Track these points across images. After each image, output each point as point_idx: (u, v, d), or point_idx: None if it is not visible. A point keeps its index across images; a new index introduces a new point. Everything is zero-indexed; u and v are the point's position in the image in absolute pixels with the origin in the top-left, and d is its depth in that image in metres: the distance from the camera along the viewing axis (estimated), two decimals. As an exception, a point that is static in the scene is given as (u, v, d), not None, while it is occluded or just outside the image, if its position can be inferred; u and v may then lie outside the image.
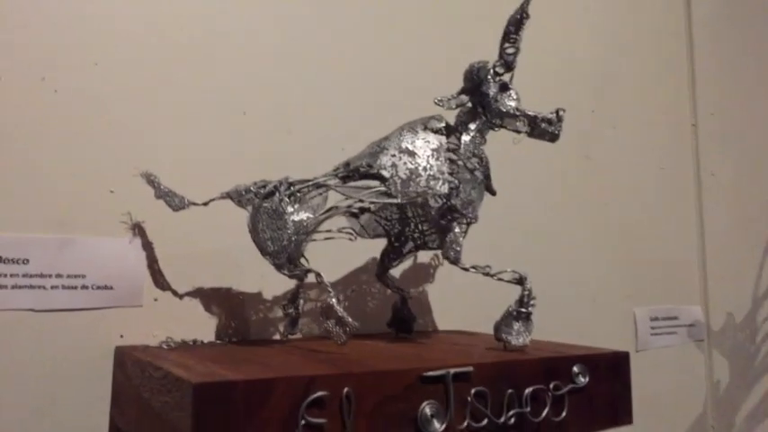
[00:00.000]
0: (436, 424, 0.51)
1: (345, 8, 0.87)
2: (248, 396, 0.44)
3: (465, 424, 0.53)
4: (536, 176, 0.97)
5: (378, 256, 0.81)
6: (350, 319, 0.57)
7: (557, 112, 0.63)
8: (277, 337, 0.76)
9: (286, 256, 0.61)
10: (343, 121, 0.84)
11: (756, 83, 1.33)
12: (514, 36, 0.60)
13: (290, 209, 0.61)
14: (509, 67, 0.62)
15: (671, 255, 1.16)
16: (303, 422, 0.45)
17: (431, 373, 0.52)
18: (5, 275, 0.62)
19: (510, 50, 0.61)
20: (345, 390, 0.47)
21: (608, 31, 1.12)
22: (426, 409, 0.51)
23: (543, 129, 0.64)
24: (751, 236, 1.28)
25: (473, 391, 0.53)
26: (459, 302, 0.88)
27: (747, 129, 1.30)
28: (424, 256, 0.86)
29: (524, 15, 0.59)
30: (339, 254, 0.72)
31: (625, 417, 0.64)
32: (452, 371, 0.53)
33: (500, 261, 0.73)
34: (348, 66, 0.86)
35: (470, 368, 0.54)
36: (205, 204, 0.64)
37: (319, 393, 0.46)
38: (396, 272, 0.82)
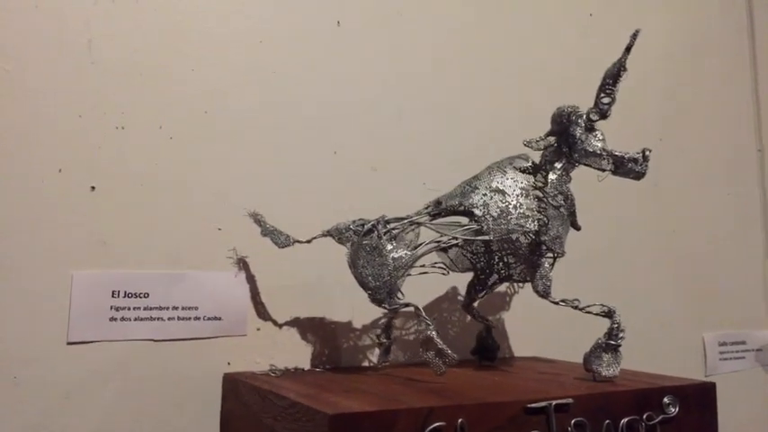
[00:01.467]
0: (540, 452, 0.54)
1: (426, 48, 0.91)
2: (375, 425, 0.48)
3: (566, 452, 0.56)
4: (607, 206, 1.00)
5: (456, 286, 0.85)
6: (449, 351, 0.61)
7: (643, 152, 0.66)
8: (366, 363, 0.80)
9: (386, 291, 0.65)
10: (424, 160, 0.88)
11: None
12: (611, 88, 0.64)
13: (389, 246, 0.65)
14: (603, 115, 0.65)
15: (738, 279, 1.17)
16: (423, 450, 0.49)
17: (534, 405, 0.55)
18: (129, 308, 0.68)
19: (605, 100, 0.64)
20: (459, 420, 0.51)
21: (675, 62, 1.15)
22: (531, 438, 0.54)
23: (630, 168, 0.67)
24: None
25: (573, 421, 0.56)
26: (533, 331, 0.91)
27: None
28: (501, 288, 0.89)
29: (622, 69, 0.63)
30: (421, 284, 0.76)
31: (713, 446, 0.65)
32: (554, 402, 0.56)
33: (571, 292, 0.77)
34: (429, 105, 0.90)
35: (570, 400, 0.57)
36: (308, 242, 0.69)
37: (437, 424, 0.50)
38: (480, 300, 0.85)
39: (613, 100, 0.64)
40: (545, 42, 1.01)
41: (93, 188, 0.68)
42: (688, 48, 1.17)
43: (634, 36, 0.61)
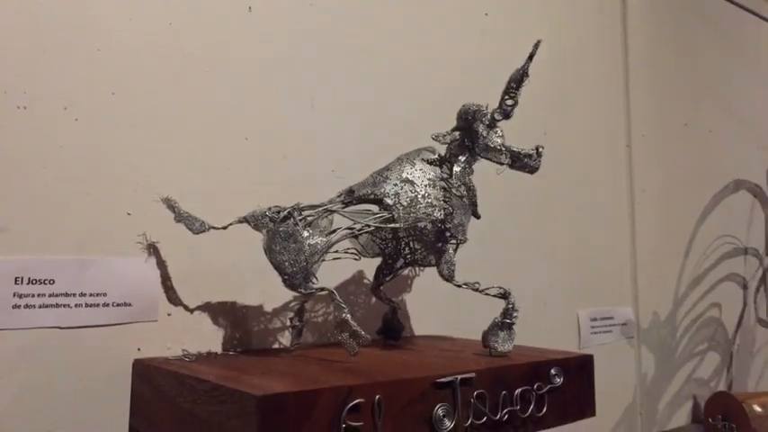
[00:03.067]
0: (447, 422, 0.60)
1: (337, 39, 0.93)
2: (300, 404, 0.51)
3: (469, 422, 0.62)
4: (493, 193, 1.07)
5: (362, 270, 0.89)
6: (363, 333, 0.65)
7: (537, 148, 0.73)
8: (276, 346, 0.82)
9: (302, 276, 0.68)
10: (333, 147, 0.90)
11: (683, 110, 1.50)
12: (514, 92, 0.69)
13: (305, 233, 0.68)
14: (507, 116, 0.71)
15: (608, 261, 1.30)
16: (344, 425, 0.53)
17: (442, 380, 0.60)
18: (33, 295, 0.65)
19: (509, 102, 0.70)
20: (377, 397, 0.55)
21: (558, 62, 1.24)
22: (439, 410, 0.59)
23: (525, 162, 0.73)
24: (675, 245, 1.45)
25: (475, 393, 0.62)
26: (432, 310, 0.97)
27: (675, 149, 1.47)
28: (404, 270, 0.95)
29: (525, 75, 0.69)
30: (328, 268, 0.79)
31: (589, 410, 0.74)
32: (459, 377, 0.61)
33: (465, 274, 0.83)
34: (340, 94, 0.93)
35: (474, 374, 0.62)
36: (224, 228, 0.70)
37: (357, 401, 0.54)
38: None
39: (516, 102, 0.70)
40: (448, 39, 1.07)
41: (-9, 170, 0.65)
42: (569, 49, 1.27)
43: (536, 46, 0.67)
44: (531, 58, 0.68)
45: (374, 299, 0.88)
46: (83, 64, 0.71)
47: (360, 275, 0.90)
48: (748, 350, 1.64)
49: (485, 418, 0.63)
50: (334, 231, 0.70)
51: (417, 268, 0.95)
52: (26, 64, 0.67)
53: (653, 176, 1.40)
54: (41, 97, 0.68)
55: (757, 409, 1.09)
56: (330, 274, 0.87)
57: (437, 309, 0.97)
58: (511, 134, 1.10)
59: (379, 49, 0.98)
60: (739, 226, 1.62)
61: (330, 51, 0.92)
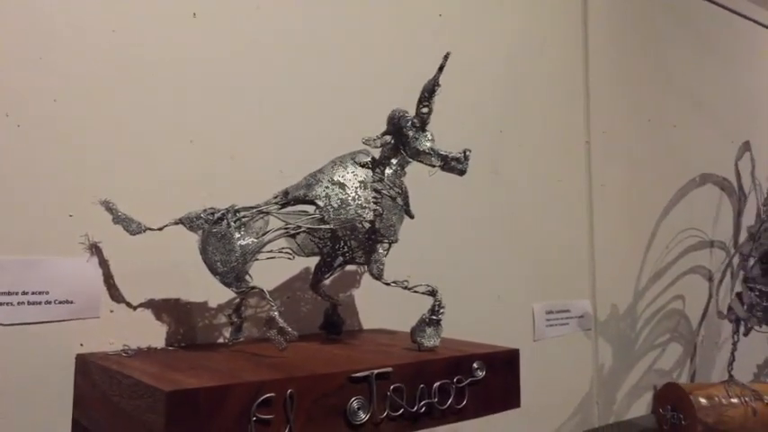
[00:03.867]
0: (361, 414, 0.63)
1: (285, 42, 0.96)
2: (210, 399, 0.54)
3: (385, 413, 0.65)
4: (450, 191, 1.10)
5: (309, 267, 0.92)
6: (289, 329, 0.68)
7: (464, 152, 0.76)
8: (221, 341, 0.85)
9: (234, 276, 0.71)
10: (281, 148, 0.93)
11: (646, 105, 1.52)
12: (428, 101, 0.72)
13: (237, 234, 0.71)
14: (423, 122, 0.74)
15: (565, 256, 1.33)
16: (254, 418, 0.56)
17: (357, 375, 0.64)
18: (-24, 294, 0.69)
19: (424, 110, 0.73)
20: (289, 391, 0.59)
21: (516, 60, 1.27)
22: (354, 403, 0.63)
23: (453, 165, 0.76)
24: (634, 239, 1.48)
25: (392, 387, 0.66)
26: (382, 305, 1.00)
27: (633, 146, 1.49)
28: (352, 267, 0.98)
29: (436, 85, 0.71)
30: (276, 265, 0.82)
31: (514, 402, 0.78)
32: (375, 371, 0.65)
33: (421, 269, 0.87)
34: (288, 96, 0.95)
35: (390, 369, 0.66)
36: (160, 229, 0.73)
37: (267, 395, 0.57)
38: (328, 280, 0.93)
39: (430, 111, 0.73)
40: (399, 42, 1.09)
41: (-67, 175, 0.68)
42: (527, 47, 1.29)
43: (445, 58, 0.70)
44: (441, 69, 0.71)
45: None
46: (25, 72, 0.74)
47: (307, 273, 0.93)
48: (713, 341, 1.67)
49: (401, 410, 0.66)
50: (267, 233, 0.74)
51: (361, 267, 0.98)
52: (-33, 73, 0.70)
53: (613, 172, 1.42)
54: (-18, 105, 0.71)
55: (702, 400, 1.12)
56: (277, 272, 0.91)
57: (386, 303, 1.00)
58: (464, 133, 1.13)
59: (329, 50, 1.01)
60: (705, 219, 1.64)
61: (276, 53, 0.95)
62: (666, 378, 1.49)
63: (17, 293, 0.71)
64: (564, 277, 1.33)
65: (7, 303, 0.70)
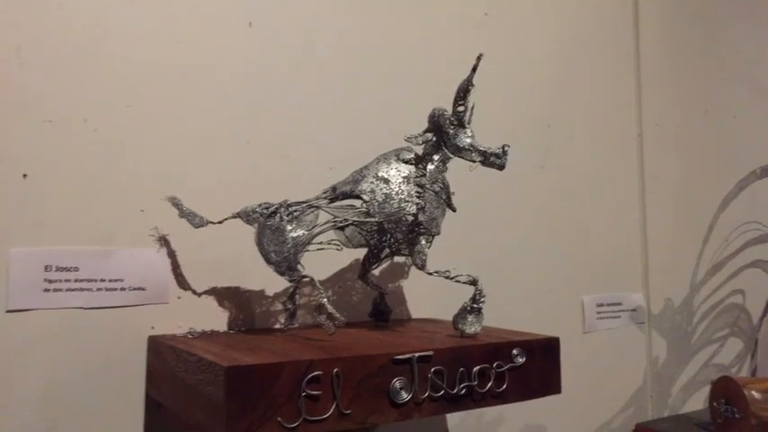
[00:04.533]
0: (404, 394, 0.68)
1: (334, 48, 1.01)
2: (264, 374, 0.60)
3: (426, 394, 0.69)
4: (498, 188, 1.13)
5: (358, 258, 0.97)
6: (338, 315, 0.73)
7: (503, 147, 0.79)
8: (277, 326, 0.92)
9: (287, 265, 0.77)
10: (329, 147, 0.99)
11: (694, 97, 1.50)
12: (462, 101, 0.76)
13: (289, 227, 0.77)
14: (460, 121, 0.77)
15: (617, 250, 1.33)
16: (304, 394, 0.62)
17: (400, 357, 0.68)
18: (61, 281, 0.77)
19: (460, 109, 0.77)
20: (335, 370, 0.64)
21: (562, 54, 1.28)
22: (396, 383, 0.67)
23: (492, 161, 0.79)
24: (688, 232, 1.46)
25: (433, 369, 0.70)
26: (429, 295, 1.04)
27: (687, 137, 1.47)
28: (401, 258, 1.02)
29: (470, 85, 0.75)
30: (328, 257, 0.88)
31: (555, 388, 0.80)
32: (417, 354, 0.69)
33: (470, 264, 0.90)
34: (336, 99, 1.01)
35: (431, 352, 0.70)
36: (220, 223, 0.79)
37: (316, 373, 0.62)
38: (377, 271, 0.98)
39: (466, 109, 0.76)
40: (444, 41, 1.13)
41: (25, 176, 0.77)
42: (574, 41, 1.30)
43: (478, 59, 0.73)
44: (474, 69, 0.74)
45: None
46: (100, 80, 0.82)
47: (356, 264, 0.98)
48: (777, 337, 1.62)
49: (442, 392, 0.70)
50: (317, 225, 0.79)
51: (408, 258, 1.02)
52: (50, 82, 0.79)
53: (667, 164, 1.41)
54: (64, 112, 0.79)
55: (756, 394, 1.11)
56: (329, 264, 0.96)
57: (433, 294, 1.04)
58: (511, 128, 1.16)
59: (375, 53, 1.05)
60: (766, 213, 1.60)
61: (325, 59, 1.00)
62: (725, 373, 1.47)
63: (96, 281, 0.79)
64: (615, 270, 1.33)
65: (88, 289, 0.79)
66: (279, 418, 0.60)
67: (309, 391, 0.62)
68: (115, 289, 0.81)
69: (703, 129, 1.50)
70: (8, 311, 0.75)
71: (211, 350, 0.69)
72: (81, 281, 0.78)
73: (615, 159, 1.34)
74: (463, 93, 0.76)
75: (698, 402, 1.42)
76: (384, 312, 0.93)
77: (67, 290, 0.78)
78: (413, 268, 1.04)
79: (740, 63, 1.59)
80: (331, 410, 0.63)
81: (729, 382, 1.17)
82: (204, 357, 0.64)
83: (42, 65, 0.79)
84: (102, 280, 0.80)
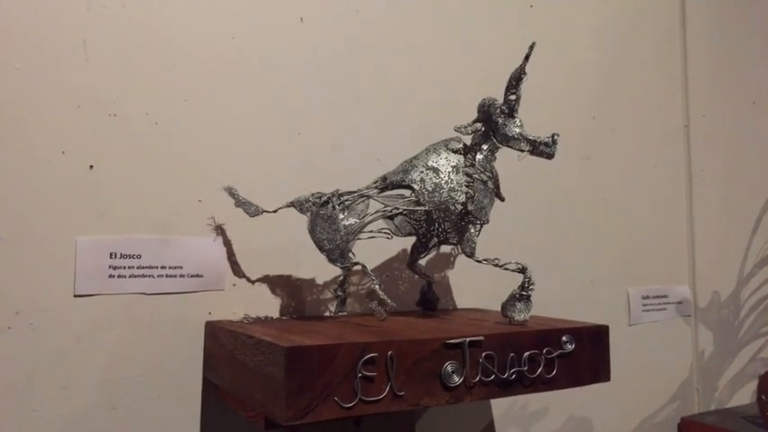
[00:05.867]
0: (455, 378, 0.69)
1: (381, 42, 1.03)
2: (322, 355, 0.62)
3: (477, 378, 0.70)
4: (543, 179, 1.14)
5: (406, 248, 0.99)
6: (389, 300, 0.75)
7: (552, 136, 0.80)
8: (327, 314, 0.94)
9: (339, 252, 0.79)
10: (378, 138, 1.01)
11: (743, 88, 1.47)
12: (514, 89, 0.77)
13: (341, 216, 0.79)
14: (511, 109, 0.78)
15: (663, 242, 1.32)
16: (360, 375, 0.64)
17: (452, 341, 0.70)
18: (125, 267, 0.81)
19: (512, 98, 0.78)
20: (389, 352, 0.65)
21: (607, 45, 1.27)
22: (448, 367, 0.69)
23: (541, 150, 0.80)
24: (736, 224, 1.44)
25: (483, 354, 0.71)
26: (475, 285, 1.06)
27: (735, 129, 1.44)
28: (447, 248, 1.04)
29: (523, 73, 0.76)
30: (377, 247, 0.90)
31: (604, 375, 0.81)
32: (468, 339, 0.70)
33: (516, 252, 0.91)
34: (384, 91, 1.03)
35: (482, 337, 0.71)
36: (274, 212, 0.82)
37: (371, 355, 0.64)
38: (424, 261, 0.99)
39: (518, 98, 0.77)
40: (490, 33, 1.13)
41: (91, 167, 0.81)
42: (620, 31, 1.30)
43: (531, 47, 0.74)
44: (527, 58, 0.75)
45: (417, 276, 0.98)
46: (160, 76, 0.86)
47: (404, 254, 1.00)
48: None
49: (493, 376, 0.72)
50: (368, 214, 0.81)
51: (456, 247, 1.04)
52: (114, 79, 0.83)
53: (714, 156, 1.39)
54: (127, 106, 0.83)
55: (808, 387, 1.09)
56: (378, 253, 0.98)
57: (480, 284, 1.05)
58: (556, 119, 1.16)
59: (421, 45, 1.07)
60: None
61: (373, 52, 1.02)
62: (775, 368, 1.44)
63: (157, 267, 0.83)
64: (661, 263, 1.32)
65: (149, 276, 0.82)
66: (336, 398, 0.62)
67: (365, 372, 0.64)
68: (175, 276, 0.84)
69: (751, 120, 1.47)
70: (75, 296, 0.79)
71: (269, 333, 0.71)
72: (143, 267, 0.82)
73: (662, 150, 1.33)
74: (516, 81, 0.77)
75: (745, 397, 1.40)
76: (432, 301, 0.95)
77: (130, 276, 0.81)
78: (459, 258, 1.06)
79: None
80: (385, 392, 0.65)
81: (779, 375, 1.15)
82: (263, 339, 0.66)
83: (107, 60, 0.82)
84: (163, 267, 0.83)
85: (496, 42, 1.12)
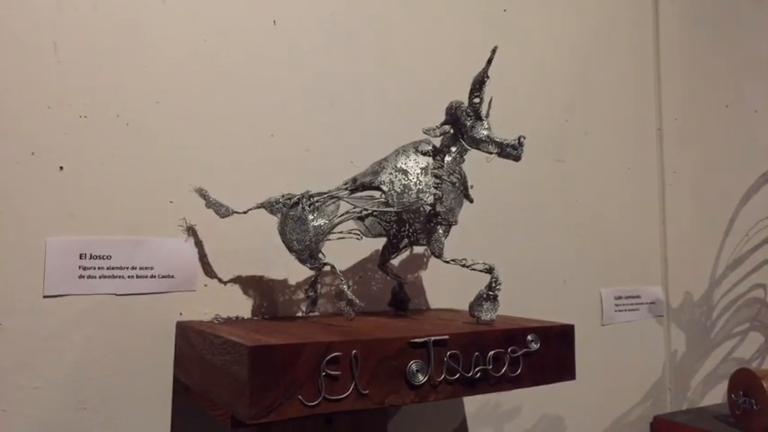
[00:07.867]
0: (420, 376, 0.70)
1: (353, 46, 1.04)
2: (286, 354, 0.63)
3: (442, 377, 0.71)
4: (516, 180, 1.15)
5: (379, 249, 1.00)
6: (357, 301, 0.76)
7: (519, 138, 0.81)
8: (299, 314, 0.95)
9: (308, 253, 0.80)
10: (350, 141, 1.02)
11: (715, 92, 1.50)
12: (478, 93, 0.78)
13: (310, 217, 0.80)
14: (476, 112, 0.80)
15: (635, 243, 1.34)
16: (324, 373, 0.64)
17: (417, 340, 0.71)
18: (95, 268, 0.81)
19: (476, 101, 0.79)
20: (354, 351, 0.66)
21: (580, 48, 1.29)
22: (413, 366, 0.70)
23: (509, 152, 0.81)
24: (708, 226, 1.46)
25: (448, 353, 0.72)
26: (448, 285, 1.07)
27: (707, 132, 1.47)
28: (420, 249, 1.05)
29: (486, 77, 0.77)
30: (350, 248, 0.91)
31: (568, 374, 0.82)
32: (433, 338, 0.71)
33: (490, 253, 0.92)
34: (357, 94, 1.04)
35: (447, 337, 0.72)
36: (245, 213, 0.83)
37: (335, 354, 0.65)
38: (398, 261, 1.00)
39: (482, 101, 0.79)
40: (461, 38, 1.15)
41: (61, 168, 0.81)
42: (593, 35, 1.31)
43: (493, 51, 0.75)
44: (489, 62, 0.76)
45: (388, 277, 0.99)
46: (131, 78, 0.86)
47: (376, 254, 1.01)
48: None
49: (458, 375, 0.73)
50: (338, 215, 0.82)
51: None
52: (85, 80, 0.83)
53: (687, 159, 1.42)
54: (98, 107, 0.83)
55: (775, 386, 1.11)
56: (350, 254, 0.99)
57: (451, 284, 1.06)
58: (529, 122, 1.18)
59: (393, 50, 1.08)
60: (790, 207, 1.59)
61: (345, 56, 1.03)
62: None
63: (127, 268, 0.83)
64: (634, 264, 1.34)
65: (120, 276, 0.83)
66: (300, 397, 0.63)
67: (329, 371, 0.65)
68: (145, 276, 0.84)
69: (724, 123, 1.50)
70: (45, 297, 0.79)
71: (236, 333, 0.72)
72: (113, 268, 0.82)
73: (635, 153, 1.35)
74: (479, 85, 0.78)
75: (717, 396, 1.43)
76: (403, 301, 0.96)
77: (101, 277, 0.82)
78: (431, 259, 1.08)
79: (761, 57, 1.59)
80: (350, 390, 0.66)
81: (748, 373, 1.17)
82: (229, 339, 0.67)
83: (78, 62, 0.83)
84: (134, 268, 0.84)
85: (469, 46, 1.13)
